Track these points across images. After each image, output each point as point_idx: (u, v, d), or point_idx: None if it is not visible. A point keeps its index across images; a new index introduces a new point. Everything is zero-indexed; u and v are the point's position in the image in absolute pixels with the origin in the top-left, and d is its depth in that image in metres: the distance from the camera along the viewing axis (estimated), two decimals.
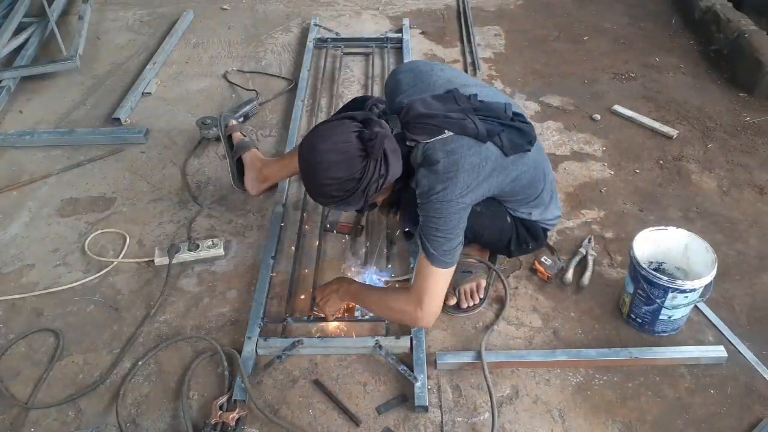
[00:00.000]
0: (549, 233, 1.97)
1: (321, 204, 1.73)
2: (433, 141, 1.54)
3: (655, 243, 1.80)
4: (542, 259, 1.99)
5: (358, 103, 1.86)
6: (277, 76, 3.00)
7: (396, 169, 1.54)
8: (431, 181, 1.52)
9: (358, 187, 1.50)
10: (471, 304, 1.87)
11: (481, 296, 1.89)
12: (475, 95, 1.63)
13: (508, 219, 1.78)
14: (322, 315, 1.82)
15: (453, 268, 1.59)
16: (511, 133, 1.59)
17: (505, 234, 1.80)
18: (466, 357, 1.72)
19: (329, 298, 1.78)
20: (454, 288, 1.84)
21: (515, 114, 1.65)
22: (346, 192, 1.51)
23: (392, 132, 1.56)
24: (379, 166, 1.49)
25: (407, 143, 1.57)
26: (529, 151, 1.62)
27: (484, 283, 1.91)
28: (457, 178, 1.50)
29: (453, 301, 1.85)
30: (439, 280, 1.57)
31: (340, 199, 1.53)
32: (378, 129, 1.50)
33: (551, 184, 1.82)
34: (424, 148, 1.56)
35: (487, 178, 1.55)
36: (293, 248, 2.07)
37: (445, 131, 1.53)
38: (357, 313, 1.84)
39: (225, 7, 3.68)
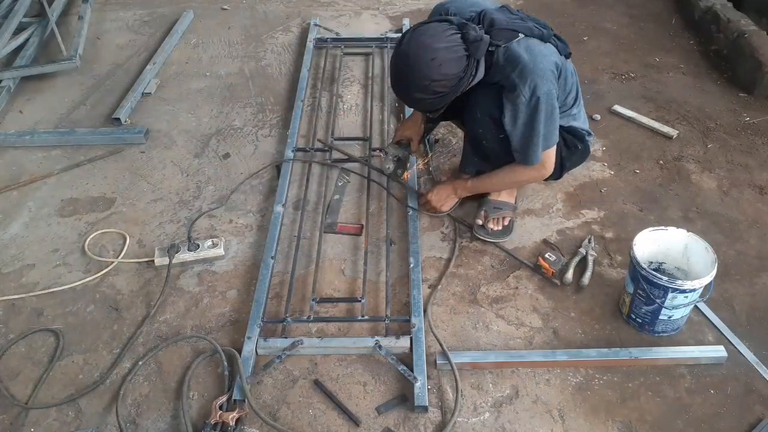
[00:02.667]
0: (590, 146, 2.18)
1: (412, 104, 1.92)
2: (511, 43, 1.74)
3: (655, 243, 1.80)
4: (546, 255, 1.99)
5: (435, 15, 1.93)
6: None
7: (482, 71, 1.76)
8: (521, 75, 1.72)
9: (459, 86, 1.69)
10: (496, 228, 2.08)
11: (506, 224, 2.10)
12: (519, 11, 1.89)
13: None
14: (434, 214, 2.15)
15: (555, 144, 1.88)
16: (559, 39, 1.88)
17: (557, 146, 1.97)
18: (466, 357, 1.72)
19: (445, 200, 2.12)
20: (485, 216, 2.10)
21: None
22: (448, 89, 1.69)
23: None
24: (474, 67, 1.69)
25: (489, 48, 1.74)
26: (569, 57, 1.91)
27: (509, 217, 2.12)
28: (543, 66, 1.73)
29: (480, 222, 2.09)
30: (548, 153, 1.89)
31: (439, 96, 1.70)
32: (473, 33, 1.66)
33: (581, 99, 2.06)
34: (505, 50, 1.75)
35: (559, 70, 1.80)
36: (293, 248, 2.07)
37: (519, 34, 1.76)
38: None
39: (225, 7, 3.68)
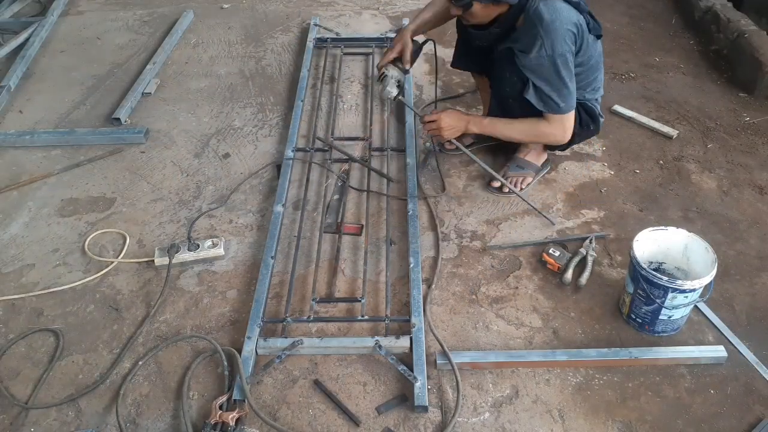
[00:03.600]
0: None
1: None
2: (539, 2, 1.85)
3: (655, 243, 1.80)
4: (550, 251, 1.99)
5: None
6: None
7: (512, 16, 1.88)
8: (542, 32, 1.83)
9: None
10: (513, 188, 2.17)
11: (524, 187, 2.18)
12: None
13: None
14: (434, 137, 2.15)
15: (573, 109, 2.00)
16: (591, 17, 1.95)
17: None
18: (466, 357, 1.72)
19: (455, 125, 2.08)
20: (504, 174, 2.17)
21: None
22: None
23: None
24: None
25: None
26: (600, 38, 2.01)
27: (530, 180, 2.21)
28: (565, 31, 1.84)
29: (497, 184, 2.17)
30: (569, 118, 2.01)
31: None
32: None
33: (602, 75, 2.15)
34: (535, 6, 1.85)
35: (579, 30, 1.88)
36: (293, 248, 2.07)
37: None
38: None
39: (224, 6, 3.68)
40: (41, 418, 1.63)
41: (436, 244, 2.10)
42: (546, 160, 2.34)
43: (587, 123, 2.18)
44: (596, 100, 2.19)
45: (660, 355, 1.72)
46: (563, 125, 2.04)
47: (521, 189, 2.15)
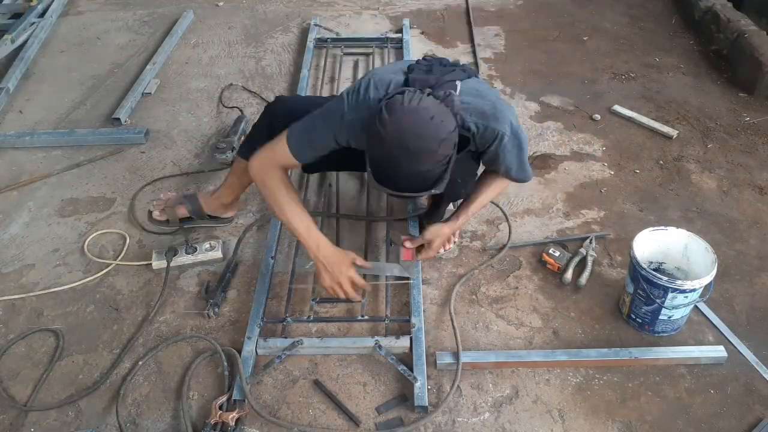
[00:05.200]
0: None
1: (417, 186, 1.49)
2: (460, 96, 1.55)
3: (655, 243, 1.80)
4: (550, 251, 1.99)
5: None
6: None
7: None
8: (485, 120, 1.60)
9: (454, 144, 1.47)
10: (448, 246, 2.06)
11: (457, 240, 2.07)
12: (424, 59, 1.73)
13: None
14: (427, 256, 1.96)
15: None
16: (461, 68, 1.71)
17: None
18: (466, 357, 1.72)
19: (438, 241, 1.93)
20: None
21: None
22: (452, 150, 1.46)
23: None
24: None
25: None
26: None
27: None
28: (498, 103, 1.64)
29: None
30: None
31: (447, 160, 1.46)
32: (441, 92, 1.48)
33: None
34: (461, 102, 1.53)
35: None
36: (293, 248, 2.07)
37: (456, 83, 1.59)
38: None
39: (219, 3, 3.68)
40: (41, 419, 1.63)
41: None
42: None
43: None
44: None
45: (660, 355, 1.72)
46: (516, 178, 1.82)
47: (454, 242, 2.06)
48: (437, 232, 1.91)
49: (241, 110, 2.73)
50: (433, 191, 1.51)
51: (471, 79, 1.68)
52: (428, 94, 1.46)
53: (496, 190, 1.93)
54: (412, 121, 1.41)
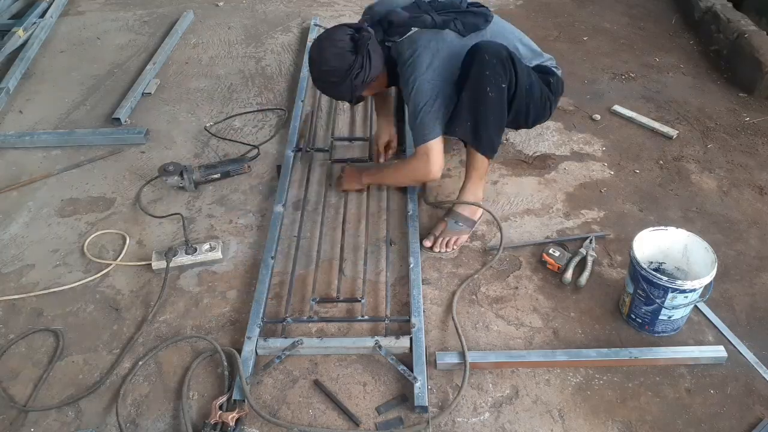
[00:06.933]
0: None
1: (319, 89, 2.06)
2: (402, 39, 1.97)
3: (655, 243, 1.80)
4: (550, 251, 1.99)
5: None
6: (245, 143, 2.56)
7: (377, 64, 1.95)
8: (405, 72, 1.95)
9: (348, 77, 1.90)
10: (443, 250, 2.07)
11: (456, 247, 2.08)
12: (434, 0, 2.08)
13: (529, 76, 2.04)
14: (341, 189, 2.28)
15: (441, 136, 1.98)
16: (466, 17, 2.01)
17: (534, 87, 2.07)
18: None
19: (352, 179, 2.26)
20: (442, 231, 2.08)
21: (470, 4, 2.11)
22: (340, 78, 1.90)
23: (376, 38, 1.95)
24: (365, 62, 1.89)
25: (386, 44, 1.99)
26: (484, 28, 2.03)
27: (465, 237, 2.10)
28: (419, 60, 1.92)
29: (429, 243, 2.07)
30: (435, 145, 1.98)
31: (335, 84, 1.93)
32: (365, 33, 1.89)
33: (527, 44, 2.19)
34: (397, 46, 1.98)
35: (450, 58, 1.94)
36: (293, 248, 2.07)
37: (412, 29, 1.96)
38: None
39: (219, 3, 3.68)
40: (41, 419, 1.63)
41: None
42: (481, 215, 2.16)
43: (545, 80, 2.16)
44: (540, 60, 2.20)
45: (660, 355, 1.72)
46: (426, 155, 1.98)
47: (453, 249, 2.06)
48: (348, 170, 2.30)
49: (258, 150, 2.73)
50: (333, 95, 2.06)
51: (427, 32, 1.96)
52: (350, 35, 1.89)
53: (401, 167, 2.18)
54: (313, 52, 1.94)
